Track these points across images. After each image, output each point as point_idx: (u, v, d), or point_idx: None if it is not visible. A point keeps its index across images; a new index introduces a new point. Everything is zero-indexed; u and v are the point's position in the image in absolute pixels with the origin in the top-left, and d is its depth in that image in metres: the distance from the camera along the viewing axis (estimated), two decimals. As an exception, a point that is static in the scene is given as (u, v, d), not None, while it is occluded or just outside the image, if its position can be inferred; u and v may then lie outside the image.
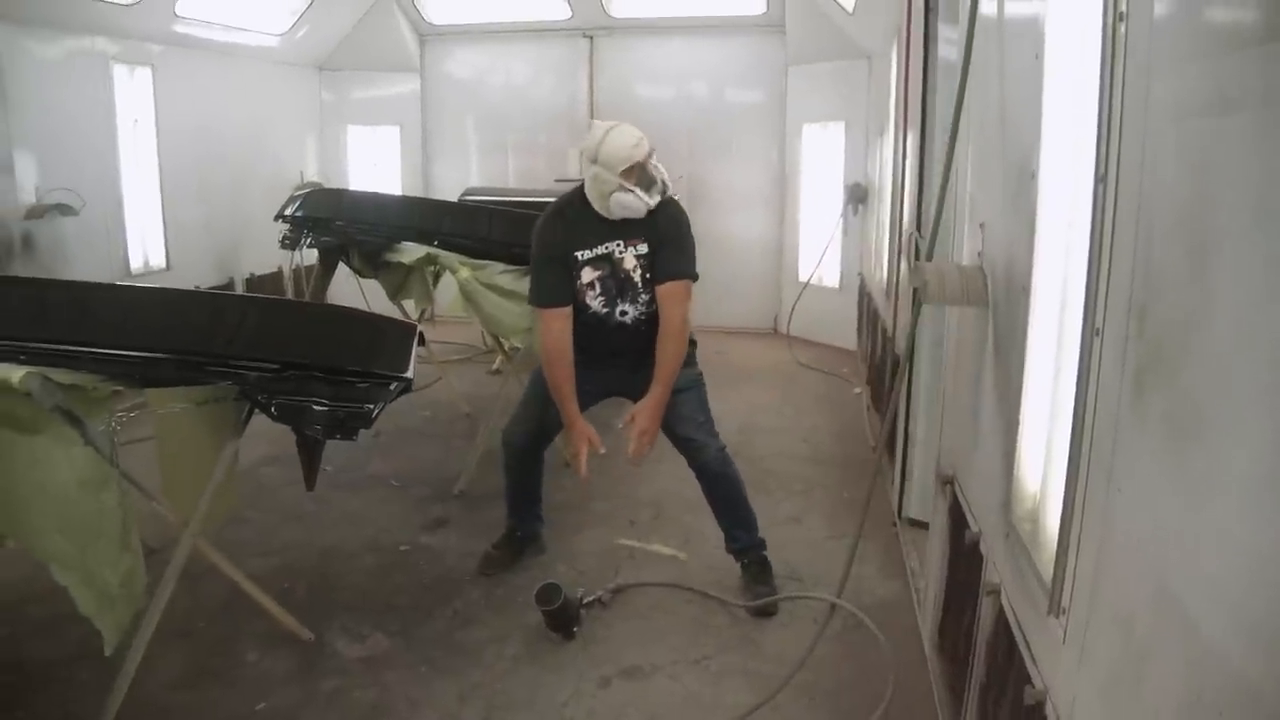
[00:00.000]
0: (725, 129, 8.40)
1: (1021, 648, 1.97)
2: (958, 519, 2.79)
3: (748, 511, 3.71)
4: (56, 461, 2.56)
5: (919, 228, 3.92)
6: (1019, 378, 2.14)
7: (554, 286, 3.47)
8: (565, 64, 8.52)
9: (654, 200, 3.38)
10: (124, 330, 2.79)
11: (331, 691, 3.07)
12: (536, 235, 3.53)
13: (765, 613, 3.54)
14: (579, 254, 3.44)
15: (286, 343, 2.89)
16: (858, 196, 7.11)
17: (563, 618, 3.30)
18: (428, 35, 8.63)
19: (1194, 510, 1.21)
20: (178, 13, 6.27)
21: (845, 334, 7.53)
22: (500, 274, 4.61)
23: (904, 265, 4.13)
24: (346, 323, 3.10)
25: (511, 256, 4.73)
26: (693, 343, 3.70)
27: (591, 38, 8.37)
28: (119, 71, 6.06)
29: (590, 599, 3.50)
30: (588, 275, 3.47)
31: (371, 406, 2.92)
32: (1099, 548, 1.54)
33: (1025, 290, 2.13)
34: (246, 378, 2.81)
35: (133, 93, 6.24)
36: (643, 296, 3.48)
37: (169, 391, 2.89)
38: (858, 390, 6.42)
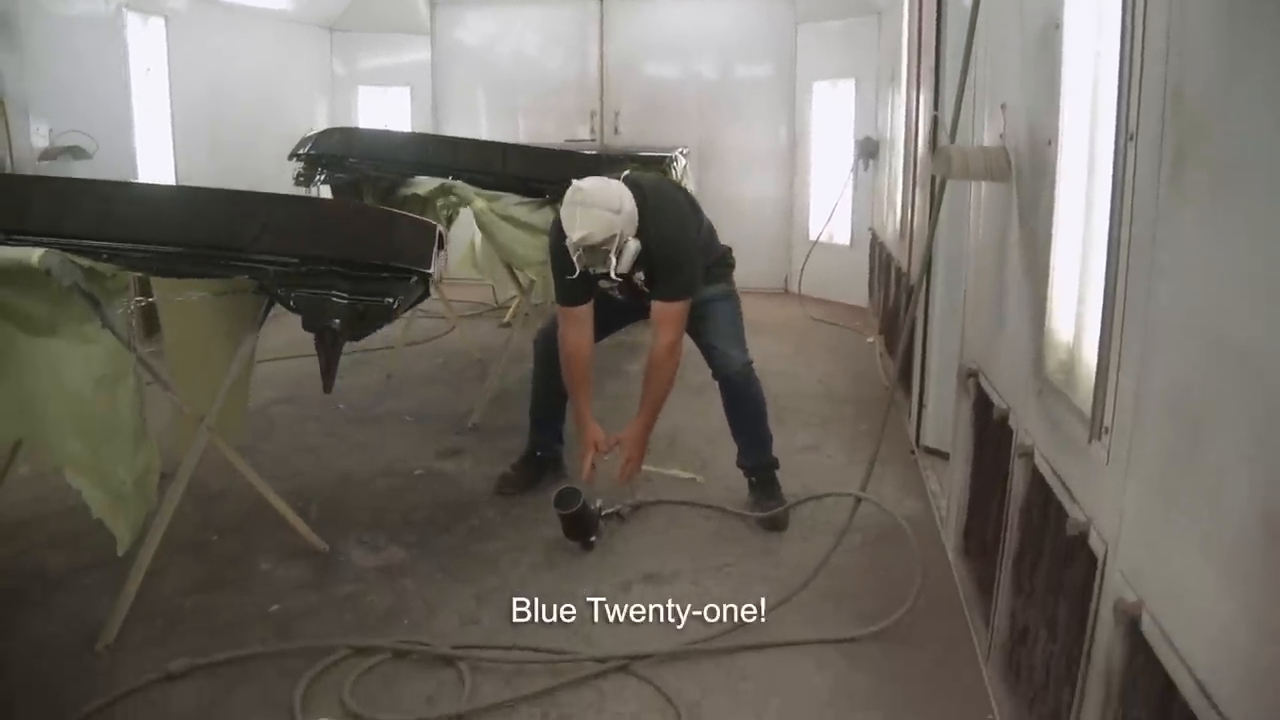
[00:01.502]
0: (735, 90, 8.36)
1: (1059, 494, 1.93)
2: (983, 408, 2.76)
3: (766, 433, 3.68)
4: (72, 361, 2.53)
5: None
6: (1046, 232, 2.11)
7: (572, 288, 3.37)
8: (575, 27, 8.49)
9: (603, 268, 3.18)
10: (144, 226, 2.77)
11: (347, 595, 3.05)
12: (552, 245, 3.42)
13: (776, 526, 3.50)
14: (590, 269, 3.32)
15: (306, 237, 2.86)
16: (868, 151, 7.07)
17: (581, 524, 3.27)
18: (438, -2, 8.62)
19: (1251, 250, 1.17)
20: (188, -39, 6.26)
21: (857, 291, 7.48)
22: (515, 205, 4.61)
23: (925, 152, 4.08)
24: (366, 218, 3.08)
25: (527, 190, 4.73)
26: (730, 264, 3.70)
27: (601, 0, 8.32)
28: (132, 19, 6.04)
29: (609, 511, 3.47)
30: (604, 284, 3.41)
31: (392, 300, 2.90)
32: (1142, 346, 1.50)
33: (1050, 143, 2.10)
34: (265, 272, 2.79)
35: (146, 42, 6.22)
36: None
37: (185, 284, 2.86)
38: (870, 340, 6.39)
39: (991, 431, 2.60)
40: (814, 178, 8.15)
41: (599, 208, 3.09)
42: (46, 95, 5.33)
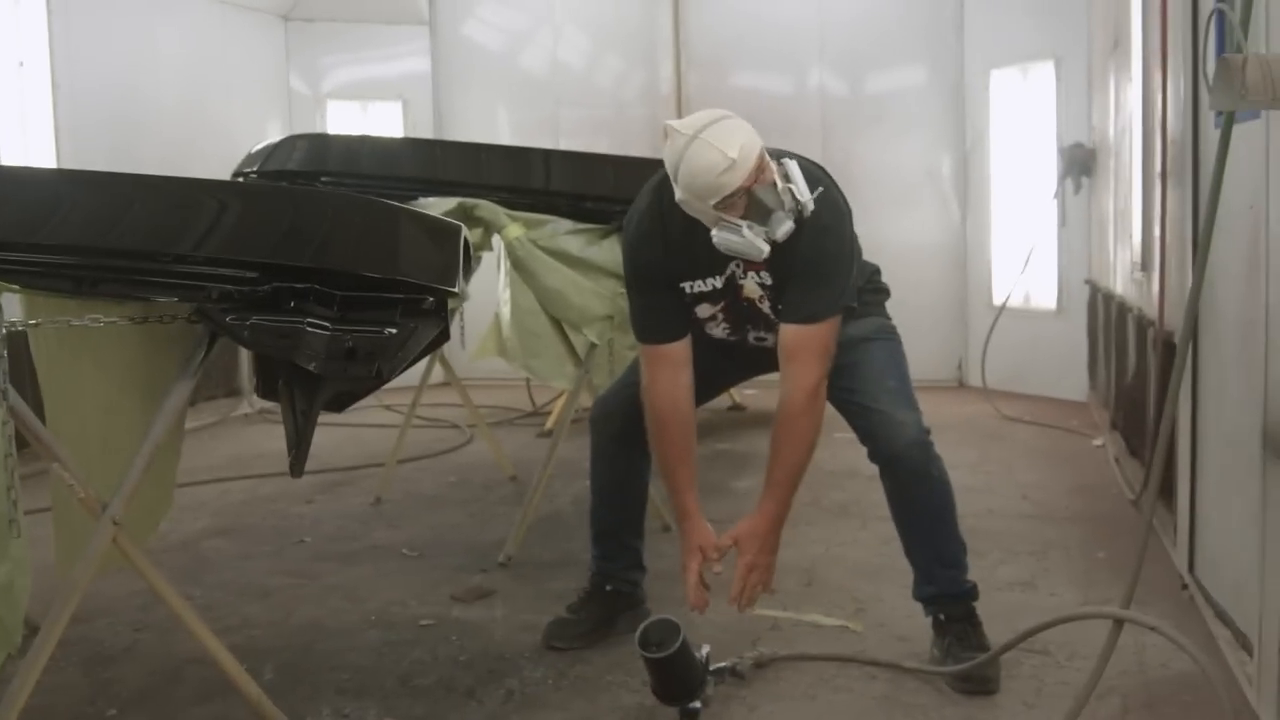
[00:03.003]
0: (874, 87, 8.62)
1: None
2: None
3: (953, 540, 3.53)
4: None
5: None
6: None
7: (660, 313, 3.43)
8: (638, 16, 8.86)
9: (781, 230, 3.14)
10: (25, 225, 2.77)
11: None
12: (628, 249, 3.50)
13: (980, 685, 3.33)
14: (686, 286, 3.40)
15: (268, 241, 2.89)
16: (1080, 164, 7.08)
17: (679, 677, 3.13)
18: (442, -24, 9.01)
19: None
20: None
21: (1071, 378, 7.51)
22: (566, 234, 4.64)
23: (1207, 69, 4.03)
24: (360, 214, 3.10)
25: (581, 213, 4.77)
26: (882, 290, 3.73)
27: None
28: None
29: (721, 666, 3.35)
30: (704, 311, 3.47)
31: (394, 330, 2.90)
32: None
33: None
34: (205, 290, 2.79)
35: (15, 27, 6.57)
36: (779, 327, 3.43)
37: (83, 307, 2.83)
38: (1098, 442, 6.40)
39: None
40: (997, 212, 8.24)
41: (738, 119, 3.12)
42: None
